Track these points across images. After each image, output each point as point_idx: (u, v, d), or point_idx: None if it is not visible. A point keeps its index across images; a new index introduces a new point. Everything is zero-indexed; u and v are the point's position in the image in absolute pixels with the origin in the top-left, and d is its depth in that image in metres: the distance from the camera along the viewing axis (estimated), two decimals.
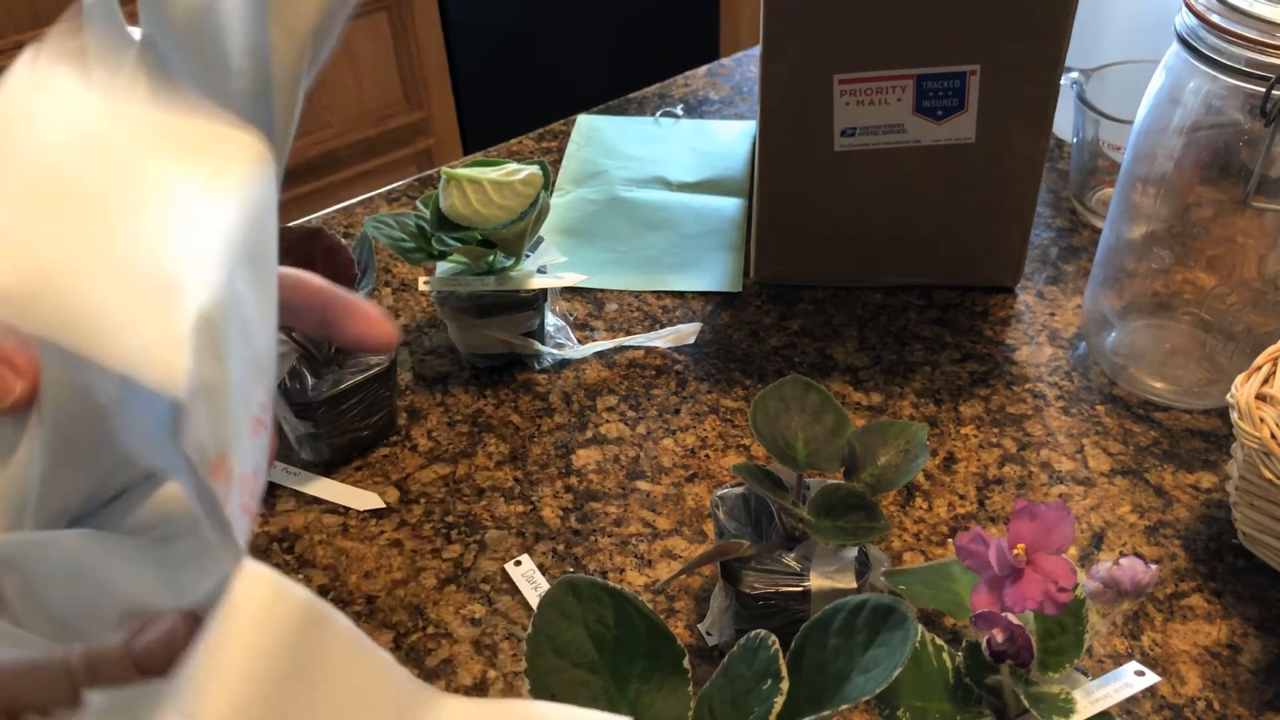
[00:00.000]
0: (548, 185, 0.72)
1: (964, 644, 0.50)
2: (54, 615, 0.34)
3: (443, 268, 0.75)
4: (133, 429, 0.31)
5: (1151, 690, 0.58)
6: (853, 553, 0.56)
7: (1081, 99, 0.85)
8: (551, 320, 0.80)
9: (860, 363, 0.78)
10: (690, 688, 0.46)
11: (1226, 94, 0.64)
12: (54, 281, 0.25)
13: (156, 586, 0.33)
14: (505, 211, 0.70)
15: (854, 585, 0.55)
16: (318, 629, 0.31)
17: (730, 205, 0.93)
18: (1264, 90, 0.60)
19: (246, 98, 0.33)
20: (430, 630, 0.62)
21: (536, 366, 0.78)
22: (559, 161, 0.98)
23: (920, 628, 0.47)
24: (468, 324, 0.75)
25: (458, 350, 0.78)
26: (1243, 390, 0.59)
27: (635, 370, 0.78)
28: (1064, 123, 0.88)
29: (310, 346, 0.68)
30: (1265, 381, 0.59)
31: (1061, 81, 0.74)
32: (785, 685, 0.44)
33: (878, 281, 0.84)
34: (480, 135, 2.03)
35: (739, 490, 0.60)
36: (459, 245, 0.72)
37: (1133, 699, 0.52)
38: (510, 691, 0.59)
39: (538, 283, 0.74)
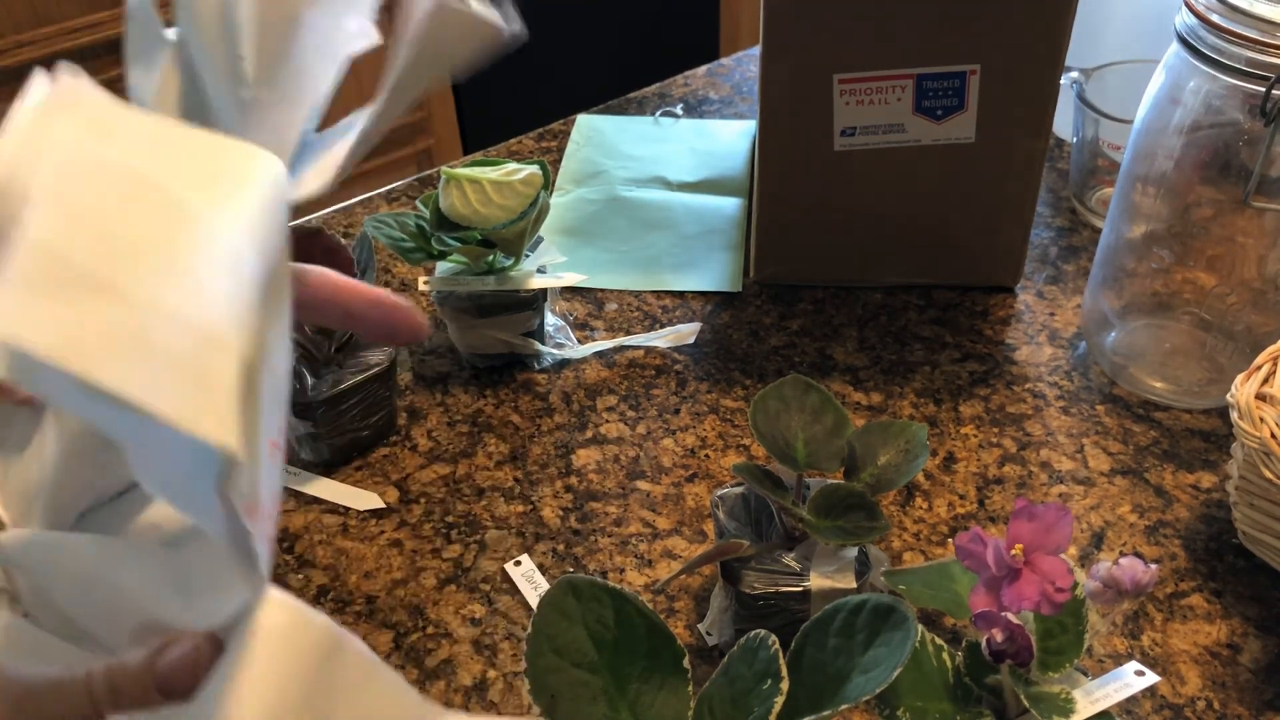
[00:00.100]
0: (548, 185, 0.72)
1: (964, 644, 0.50)
2: (64, 613, 0.34)
3: (442, 267, 0.75)
4: (152, 468, 0.31)
5: (1151, 690, 0.58)
6: (853, 553, 0.56)
7: (1081, 99, 0.85)
8: (551, 320, 0.80)
9: (860, 363, 0.78)
10: (690, 688, 0.46)
11: (1226, 93, 0.64)
12: (109, 336, 0.24)
13: (169, 597, 0.33)
14: (505, 211, 0.70)
15: (854, 585, 0.55)
16: (337, 655, 0.32)
17: (730, 205, 0.93)
18: (1264, 90, 0.60)
19: (261, 105, 0.33)
20: (430, 630, 0.62)
21: (536, 366, 0.78)
22: (559, 161, 0.98)
23: (920, 628, 0.47)
24: (467, 324, 0.75)
25: (458, 350, 0.79)
26: (1243, 390, 0.59)
27: (635, 370, 0.78)
28: (1064, 122, 0.88)
29: (310, 346, 0.68)
30: (1265, 381, 0.59)
31: (1061, 81, 0.74)
32: (785, 685, 0.44)
33: (878, 281, 0.84)
34: (480, 135, 2.03)
35: (739, 490, 0.60)
36: (459, 245, 0.72)
37: (1133, 699, 0.52)
38: (510, 691, 0.59)
39: (538, 283, 0.74)
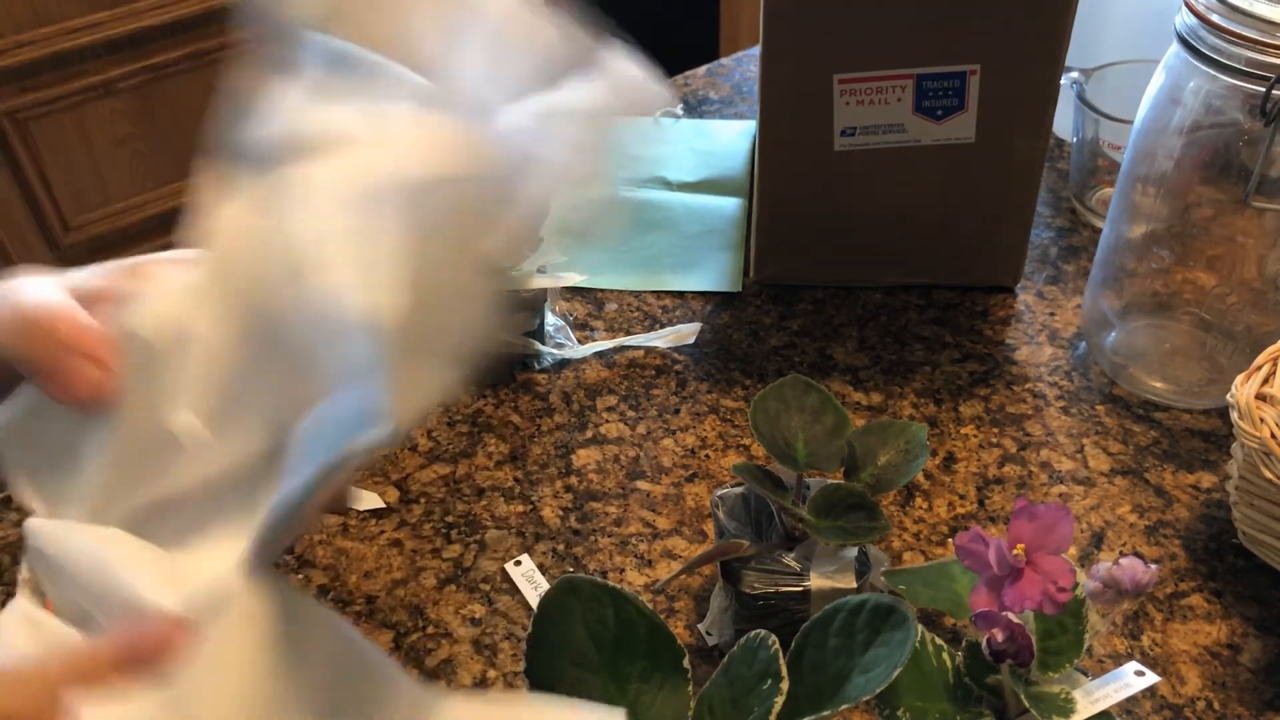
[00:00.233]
0: None
1: (964, 644, 0.50)
2: (78, 604, 0.34)
3: None
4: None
5: (1151, 690, 0.58)
6: (853, 553, 0.56)
7: (1081, 99, 0.85)
8: (551, 320, 0.80)
9: (860, 363, 0.78)
10: (690, 688, 0.46)
11: (1226, 94, 0.64)
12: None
13: (153, 583, 0.33)
14: None
15: (854, 585, 0.55)
16: (325, 633, 0.32)
17: (730, 205, 0.93)
18: (1264, 90, 0.60)
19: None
20: (430, 630, 0.62)
21: (536, 366, 0.78)
22: None
23: (920, 628, 0.47)
24: None
25: None
26: (1243, 390, 0.59)
27: (635, 370, 0.78)
28: (1064, 123, 0.88)
29: None
30: (1265, 381, 0.59)
31: (1061, 81, 0.74)
32: (785, 685, 0.44)
33: (878, 281, 0.84)
34: None
35: (739, 490, 0.60)
36: None
37: (1133, 699, 0.52)
38: (510, 691, 0.59)
39: (538, 283, 0.74)
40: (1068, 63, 0.73)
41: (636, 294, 0.84)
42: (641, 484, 0.70)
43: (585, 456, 0.72)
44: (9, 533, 0.67)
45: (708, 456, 0.72)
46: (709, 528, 0.67)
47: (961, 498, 0.69)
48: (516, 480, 0.70)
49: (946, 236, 0.82)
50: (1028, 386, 0.76)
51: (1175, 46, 0.65)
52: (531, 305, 0.75)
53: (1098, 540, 0.66)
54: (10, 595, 0.36)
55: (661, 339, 0.79)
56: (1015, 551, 0.46)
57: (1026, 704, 0.47)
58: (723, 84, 1.09)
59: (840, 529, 0.55)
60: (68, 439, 0.36)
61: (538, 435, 0.73)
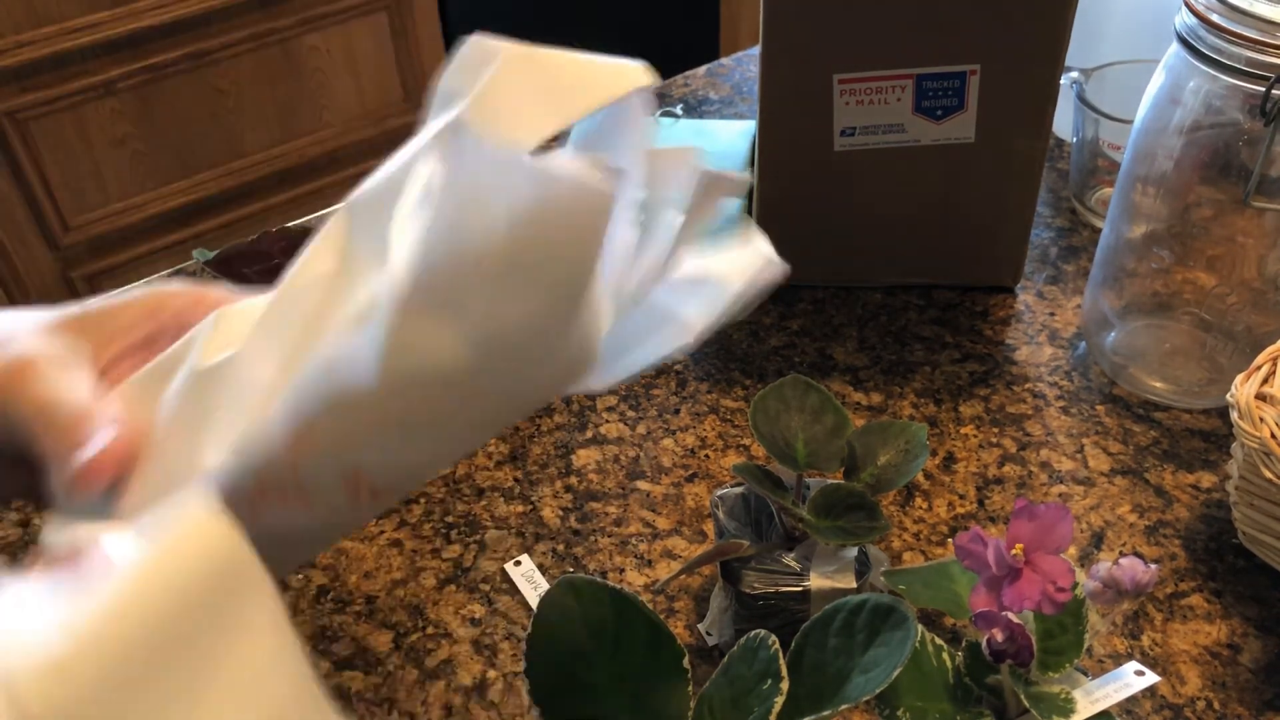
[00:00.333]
0: None
1: (964, 644, 0.50)
2: None
3: None
4: None
5: (1151, 690, 0.58)
6: (853, 553, 0.56)
7: (1081, 99, 0.85)
8: None
9: (860, 363, 0.78)
10: (690, 688, 0.46)
11: (1226, 93, 0.64)
12: None
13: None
14: None
15: (854, 585, 0.55)
16: (240, 593, 0.30)
17: (730, 205, 0.93)
18: (1264, 90, 0.60)
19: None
20: (430, 630, 0.62)
21: None
22: None
23: (920, 628, 0.47)
24: None
25: None
26: (1243, 390, 0.59)
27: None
28: (1064, 123, 0.88)
29: None
30: (1265, 381, 0.59)
31: (1061, 81, 0.74)
32: (785, 685, 0.44)
33: (878, 281, 0.84)
34: None
35: (739, 490, 0.60)
36: None
37: (1133, 699, 0.52)
38: (510, 692, 0.59)
39: None
40: (1068, 63, 0.73)
41: None
42: (641, 484, 0.70)
43: (585, 456, 0.72)
44: (9, 533, 0.67)
45: (708, 456, 0.72)
46: (709, 528, 0.67)
47: (961, 498, 0.69)
48: (516, 480, 0.70)
49: (946, 236, 0.82)
50: (1028, 386, 0.76)
51: (1175, 46, 0.65)
52: None
53: (1098, 540, 0.66)
54: None
55: None
56: (1015, 551, 0.46)
57: (1026, 704, 0.47)
58: (723, 84, 1.09)
59: (840, 529, 0.55)
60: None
61: (538, 435, 0.73)
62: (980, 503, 0.68)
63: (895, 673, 0.43)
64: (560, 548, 0.66)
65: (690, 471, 0.71)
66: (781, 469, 0.57)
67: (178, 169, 1.72)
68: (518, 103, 0.34)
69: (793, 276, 0.85)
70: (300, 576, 0.65)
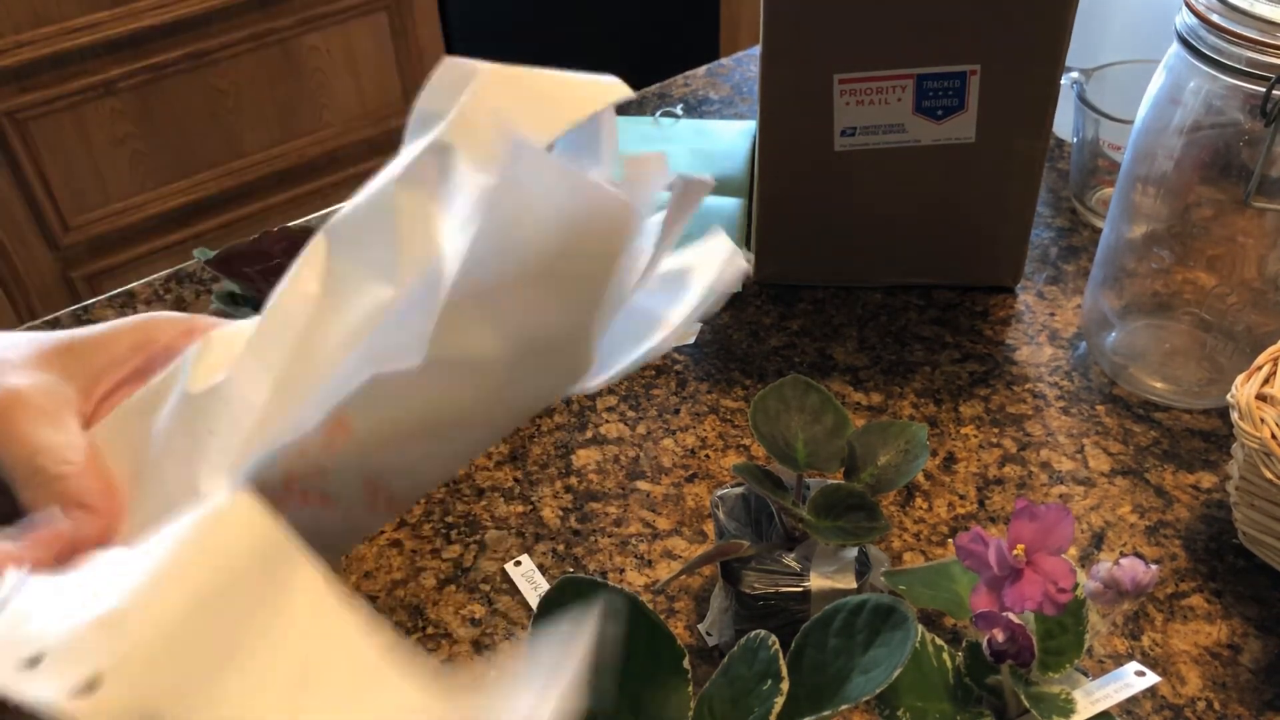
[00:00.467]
0: None
1: (964, 644, 0.50)
2: None
3: None
4: None
5: (1152, 690, 0.58)
6: (853, 553, 0.56)
7: (1081, 99, 0.85)
8: None
9: (860, 363, 0.78)
10: (690, 688, 0.46)
11: (1227, 94, 0.64)
12: None
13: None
14: None
15: (854, 585, 0.55)
16: (280, 574, 0.31)
17: (730, 205, 0.93)
18: (1264, 90, 0.60)
19: None
20: (430, 630, 0.62)
21: None
22: None
23: (920, 628, 0.47)
24: None
25: None
26: (1243, 390, 0.59)
27: (635, 370, 0.78)
28: (1064, 123, 0.88)
29: None
30: (1266, 381, 0.59)
31: (1061, 81, 0.74)
32: (785, 685, 0.44)
33: (878, 281, 0.84)
34: None
35: (739, 490, 0.60)
36: None
37: (1133, 699, 0.52)
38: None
39: None
40: (1068, 63, 0.73)
41: None
42: (641, 484, 0.70)
43: (585, 456, 0.72)
44: None
45: (708, 456, 0.72)
46: (709, 528, 0.67)
47: (962, 498, 0.69)
48: (516, 480, 0.70)
49: (946, 236, 0.82)
50: (1028, 387, 0.76)
51: (1175, 46, 0.65)
52: None
53: (1098, 540, 0.66)
54: None
55: None
56: (1015, 552, 0.46)
57: (1027, 704, 0.47)
58: (723, 84, 1.09)
59: (840, 529, 0.55)
60: None
61: (538, 435, 0.73)
62: (981, 503, 0.68)
63: (895, 673, 0.43)
64: (560, 548, 0.66)
65: (690, 471, 0.71)
66: (781, 469, 0.57)
67: (178, 169, 1.72)
68: (497, 120, 0.35)
69: (793, 276, 0.85)
70: None
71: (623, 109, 1.05)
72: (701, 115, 1.04)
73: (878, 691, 0.43)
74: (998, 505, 0.68)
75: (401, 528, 0.67)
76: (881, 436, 0.59)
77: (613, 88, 0.36)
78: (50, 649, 0.28)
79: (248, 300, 0.73)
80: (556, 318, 0.34)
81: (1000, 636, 0.46)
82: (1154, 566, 0.47)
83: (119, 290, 0.86)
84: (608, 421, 0.74)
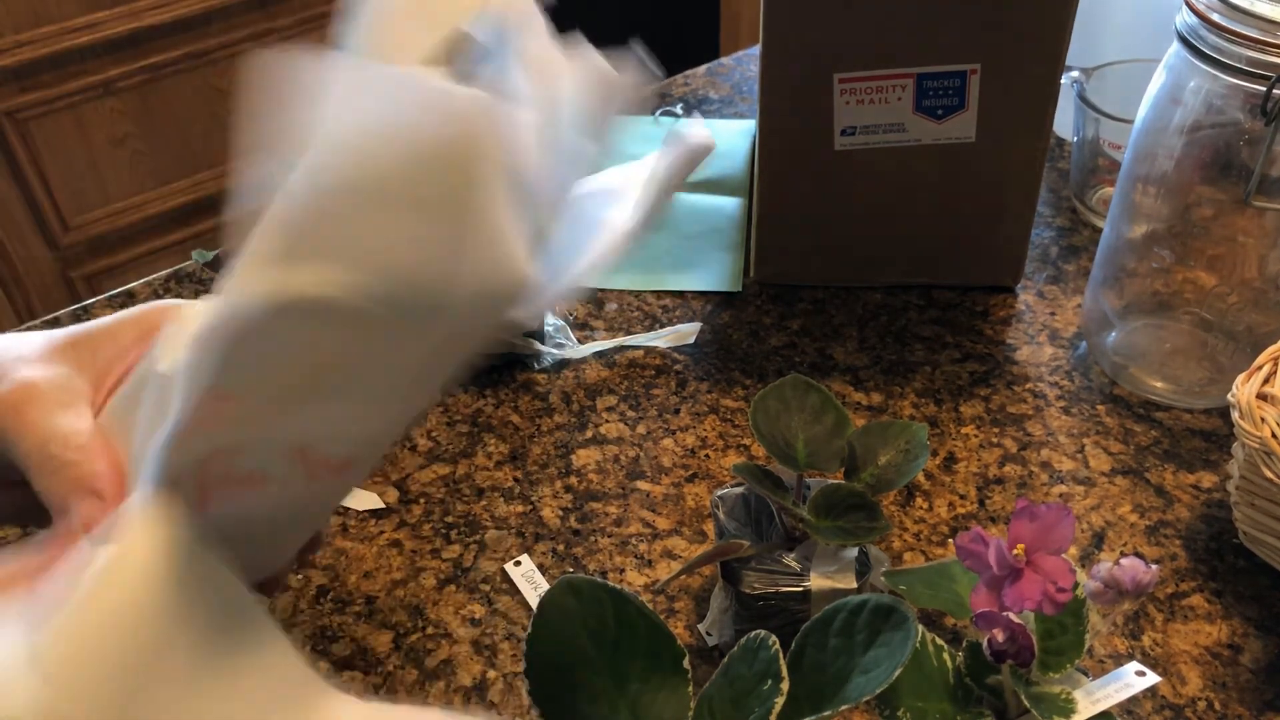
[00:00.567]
0: None
1: (964, 644, 0.50)
2: None
3: None
4: None
5: (1152, 690, 0.58)
6: (853, 553, 0.56)
7: (1081, 98, 0.85)
8: (551, 320, 0.80)
9: (860, 363, 0.78)
10: (690, 688, 0.46)
11: (1227, 93, 0.64)
12: None
13: None
14: None
15: (854, 585, 0.55)
16: (203, 587, 0.31)
17: (730, 205, 0.93)
18: (1265, 89, 0.60)
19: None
20: (430, 630, 0.62)
21: (536, 366, 0.78)
22: None
23: (921, 628, 0.47)
24: None
25: None
26: (1244, 390, 0.59)
27: (635, 370, 0.78)
28: (1064, 122, 0.88)
29: None
30: (1266, 381, 0.59)
31: (1061, 81, 0.74)
32: (785, 686, 0.44)
33: (878, 281, 0.84)
34: None
35: (739, 490, 0.60)
36: None
37: (1133, 699, 0.52)
38: (510, 692, 0.59)
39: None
40: (1068, 62, 0.73)
41: (636, 294, 0.84)
42: (641, 484, 0.70)
43: (585, 456, 0.72)
44: (7, 533, 0.67)
45: (708, 456, 0.72)
46: (709, 528, 0.67)
47: (962, 498, 0.68)
48: (516, 480, 0.70)
49: (946, 236, 0.82)
50: (1028, 386, 0.76)
51: (1176, 46, 0.65)
52: None
53: (1098, 540, 0.66)
54: None
55: (661, 339, 0.79)
56: (1015, 552, 0.46)
57: (1027, 704, 0.47)
58: (723, 84, 1.09)
59: (840, 529, 0.55)
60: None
61: (537, 435, 0.73)
62: (981, 503, 0.68)
63: (896, 673, 0.43)
64: (560, 548, 0.66)
65: (690, 471, 0.71)
66: (781, 469, 0.57)
67: (178, 169, 1.72)
68: (393, 26, 0.33)
69: (793, 276, 0.85)
70: (300, 577, 0.65)
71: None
72: (701, 115, 1.04)
73: (878, 691, 0.43)
74: (998, 505, 0.68)
75: (401, 528, 0.67)
76: (882, 436, 0.59)
77: None
78: None
79: None
80: (418, 242, 0.30)
81: (1000, 636, 0.46)
82: (1154, 566, 0.47)
83: (118, 290, 0.86)
84: (608, 421, 0.74)
